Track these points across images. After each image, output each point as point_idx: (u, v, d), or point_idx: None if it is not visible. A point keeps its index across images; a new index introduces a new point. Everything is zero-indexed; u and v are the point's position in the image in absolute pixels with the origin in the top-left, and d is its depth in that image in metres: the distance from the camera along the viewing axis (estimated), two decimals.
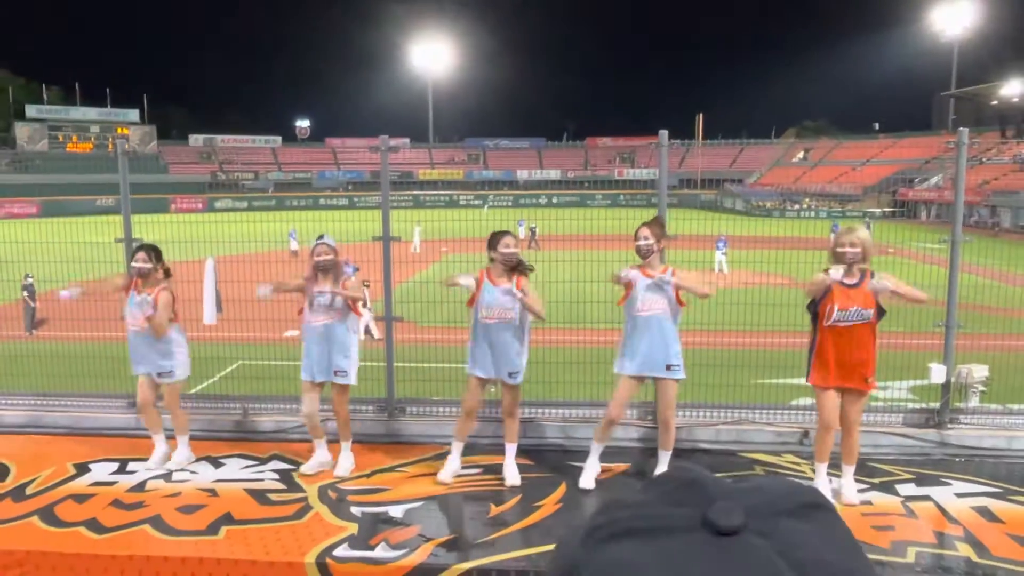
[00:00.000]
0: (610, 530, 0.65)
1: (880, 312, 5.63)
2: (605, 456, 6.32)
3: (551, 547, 4.93)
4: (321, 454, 6.33)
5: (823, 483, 5.77)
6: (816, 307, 5.72)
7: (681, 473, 0.71)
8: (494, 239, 6.08)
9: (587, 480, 5.94)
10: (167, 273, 6.53)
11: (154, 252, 6.47)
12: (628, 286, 5.93)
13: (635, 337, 5.91)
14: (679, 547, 0.62)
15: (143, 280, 6.39)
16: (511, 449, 6.14)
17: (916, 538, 5.14)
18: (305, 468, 6.25)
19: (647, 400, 6.59)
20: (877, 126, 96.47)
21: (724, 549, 0.61)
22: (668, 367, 5.89)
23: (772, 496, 0.66)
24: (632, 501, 0.70)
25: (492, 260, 6.07)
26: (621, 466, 6.33)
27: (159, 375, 6.47)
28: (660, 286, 5.84)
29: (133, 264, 6.41)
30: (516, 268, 6.07)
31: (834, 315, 5.60)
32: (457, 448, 6.17)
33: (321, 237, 6.34)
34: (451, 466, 6.11)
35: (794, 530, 0.62)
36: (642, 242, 5.91)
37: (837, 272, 5.62)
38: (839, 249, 5.60)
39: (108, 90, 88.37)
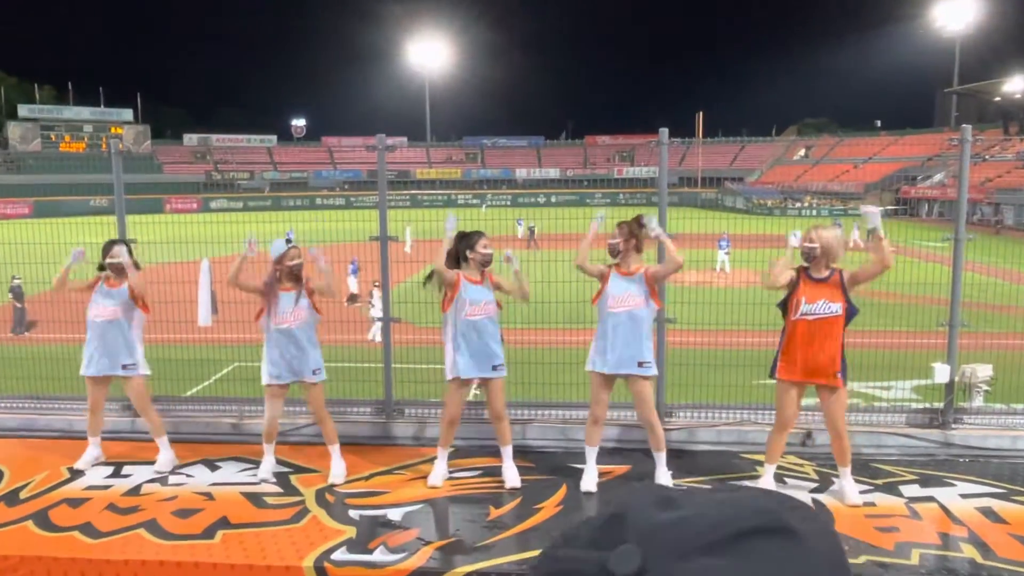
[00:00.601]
0: (540, 572, 0.68)
1: (851, 310, 5.66)
2: (606, 458, 6.33)
3: None
4: (270, 458, 6.35)
5: (768, 487, 5.79)
6: (785, 303, 5.81)
7: (610, 506, 0.69)
8: (471, 240, 6.13)
9: (588, 483, 5.95)
10: (137, 267, 6.64)
11: (127, 247, 6.63)
12: (603, 278, 6.00)
13: (607, 335, 5.96)
14: None
15: (116, 274, 6.52)
16: (507, 451, 6.15)
17: (920, 539, 5.14)
18: (263, 473, 6.26)
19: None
20: (879, 123, 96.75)
21: None
22: (640, 364, 5.92)
23: (697, 529, 0.61)
24: (564, 539, 0.69)
25: (467, 260, 6.12)
26: (622, 468, 6.34)
27: (124, 367, 6.49)
28: (634, 280, 5.94)
29: (109, 260, 6.50)
30: (487, 265, 6.18)
31: (801, 308, 5.67)
32: (443, 455, 6.20)
33: (288, 240, 6.32)
34: (439, 471, 6.14)
35: (705, 569, 0.58)
36: (611, 241, 6.06)
37: (795, 239, 5.80)
38: (804, 244, 5.73)
39: (101, 89, 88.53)
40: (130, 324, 6.53)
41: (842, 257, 5.79)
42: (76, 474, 6.33)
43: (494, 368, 6.09)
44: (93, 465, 6.50)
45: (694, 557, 0.59)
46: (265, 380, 6.28)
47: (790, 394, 5.80)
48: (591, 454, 6.06)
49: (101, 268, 6.59)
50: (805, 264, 5.78)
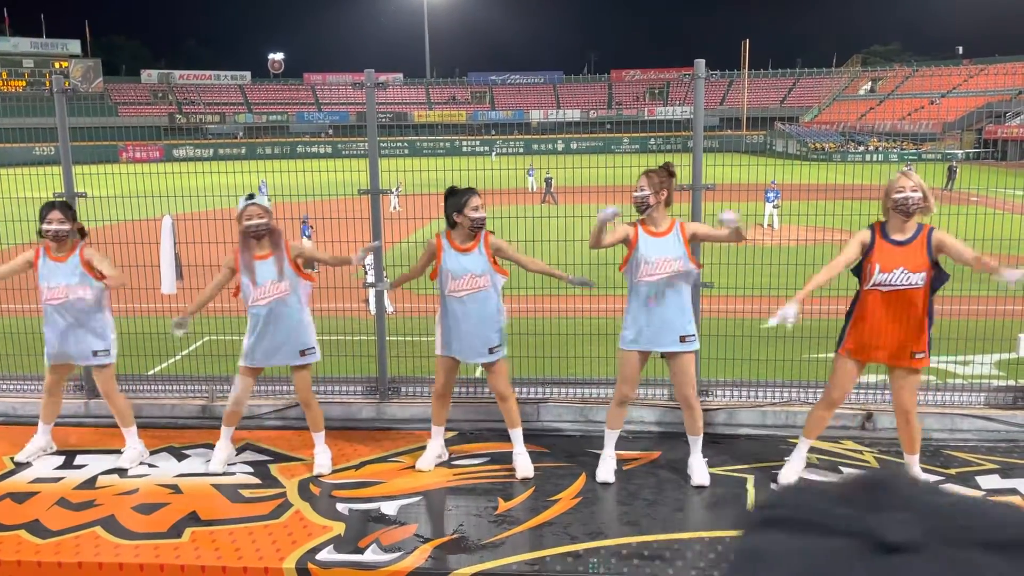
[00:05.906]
0: (766, 515, 0.69)
1: (941, 276, 5.50)
2: (633, 443, 6.37)
3: (569, 548, 4.98)
4: (227, 445, 6.38)
5: (798, 462, 5.95)
6: (860, 268, 5.64)
7: (856, 475, 0.71)
8: (459, 198, 6.03)
9: (605, 472, 6.00)
10: (82, 233, 6.49)
11: (69, 210, 6.44)
12: (630, 241, 5.91)
13: (641, 307, 5.88)
14: (829, 549, 0.63)
15: (58, 244, 6.30)
16: (517, 435, 6.20)
17: None
18: (215, 464, 6.29)
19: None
20: (960, 50, 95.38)
21: (879, 566, 0.60)
22: (682, 339, 5.88)
23: (977, 521, 0.62)
24: (806, 489, 0.71)
25: (454, 224, 6.07)
26: (650, 455, 6.38)
27: (96, 354, 6.39)
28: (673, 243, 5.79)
29: (47, 227, 6.24)
30: (479, 230, 6.07)
31: (875, 277, 5.52)
32: (437, 433, 6.30)
33: (250, 197, 6.09)
34: (431, 452, 6.25)
35: (979, 565, 0.59)
36: (637, 193, 5.86)
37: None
38: (897, 195, 5.44)
39: (43, 17, 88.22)
40: (94, 300, 6.33)
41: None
42: (21, 465, 6.42)
43: (491, 351, 6.11)
44: (40, 456, 6.58)
45: (970, 549, 0.60)
46: (242, 362, 6.25)
47: (848, 369, 5.77)
48: (610, 439, 6.10)
49: (41, 235, 6.39)
50: (898, 218, 5.51)
